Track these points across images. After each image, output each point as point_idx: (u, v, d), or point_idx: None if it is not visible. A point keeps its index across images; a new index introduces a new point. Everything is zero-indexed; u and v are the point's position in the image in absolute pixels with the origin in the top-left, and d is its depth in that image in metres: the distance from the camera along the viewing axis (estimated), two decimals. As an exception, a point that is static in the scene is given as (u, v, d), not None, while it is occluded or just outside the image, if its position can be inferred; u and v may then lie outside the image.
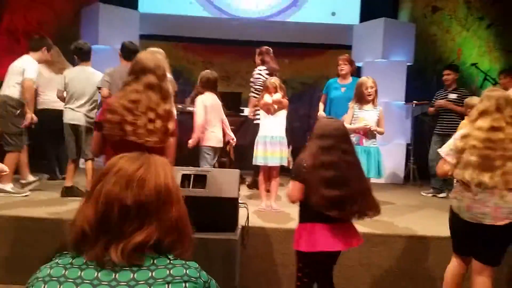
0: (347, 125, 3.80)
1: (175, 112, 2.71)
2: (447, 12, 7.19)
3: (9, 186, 4.13)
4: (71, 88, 4.24)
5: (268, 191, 4.21)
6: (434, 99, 5.52)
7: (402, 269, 3.35)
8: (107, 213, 0.99)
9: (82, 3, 7.11)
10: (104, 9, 6.52)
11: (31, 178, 4.46)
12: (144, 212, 1.00)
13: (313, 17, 7.51)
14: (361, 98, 4.07)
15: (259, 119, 4.65)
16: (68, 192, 4.13)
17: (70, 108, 4.23)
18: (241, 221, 3.27)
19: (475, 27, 6.79)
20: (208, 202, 2.78)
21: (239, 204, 3.19)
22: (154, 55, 2.54)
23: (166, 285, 0.97)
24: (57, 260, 1.02)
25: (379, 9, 6.99)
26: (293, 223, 3.55)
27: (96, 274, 0.97)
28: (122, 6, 6.80)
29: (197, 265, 1.05)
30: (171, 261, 1.01)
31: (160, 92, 2.37)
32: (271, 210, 3.98)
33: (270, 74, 4.91)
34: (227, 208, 2.93)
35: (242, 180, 5.52)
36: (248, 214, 3.31)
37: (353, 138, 3.84)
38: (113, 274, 0.97)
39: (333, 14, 7.53)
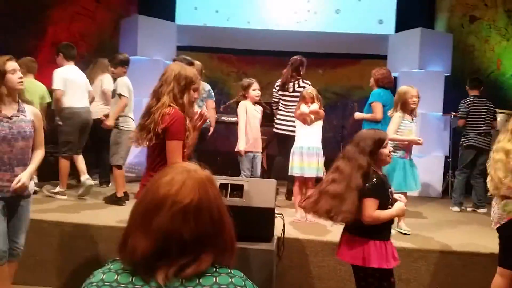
0: (395, 136, 3.76)
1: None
2: (486, 21, 7.02)
3: (57, 188, 4.42)
4: (130, 98, 4.53)
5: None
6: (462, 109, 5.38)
7: (440, 284, 3.25)
8: (165, 247, 1.00)
9: (121, 15, 7.35)
10: (142, 21, 6.71)
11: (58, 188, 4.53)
12: (201, 243, 1.01)
13: (350, 27, 7.48)
14: (405, 107, 3.90)
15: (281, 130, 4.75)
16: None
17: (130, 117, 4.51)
18: (277, 231, 3.28)
19: (516, 37, 6.60)
20: (245, 211, 2.79)
21: (275, 215, 3.20)
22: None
23: None
24: (109, 266, 1.05)
25: (415, 19, 6.88)
26: (329, 235, 3.53)
27: None
28: (160, 18, 6.98)
29: (242, 274, 1.06)
30: (217, 269, 1.03)
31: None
32: (306, 221, 3.96)
33: (282, 86, 4.91)
34: (263, 218, 2.94)
35: (276, 191, 5.54)
36: (284, 224, 3.31)
37: (396, 150, 3.77)
38: None
39: (380, 22, 7.48)
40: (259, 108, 4.51)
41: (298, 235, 3.46)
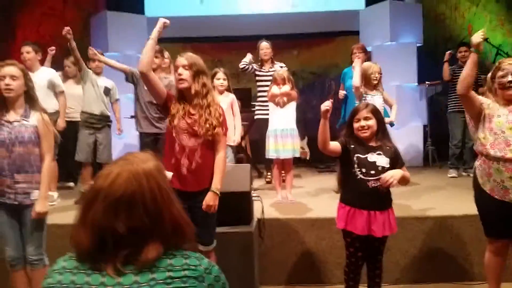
0: None
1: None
2: (454, -12, 7.07)
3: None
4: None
5: (283, 181, 4.26)
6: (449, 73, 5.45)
7: (418, 249, 3.36)
8: (103, 240, 1.02)
9: (90, 12, 7.26)
10: (111, 17, 6.65)
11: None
12: (139, 235, 1.03)
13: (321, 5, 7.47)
14: (367, 83, 4.05)
15: (262, 114, 4.73)
16: None
17: None
18: (258, 214, 3.35)
19: (484, 2, 6.66)
20: (222, 197, 2.83)
21: (253, 197, 3.26)
22: None
23: (167, 273, 1.02)
24: (64, 264, 1.08)
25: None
26: (307, 213, 3.61)
27: (101, 279, 1.02)
28: (129, 12, 6.91)
29: (199, 255, 1.10)
30: (173, 252, 1.07)
31: None
32: (287, 201, 4.03)
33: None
34: (241, 202, 3.01)
35: (260, 175, 5.60)
36: (262, 206, 3.37)
37: None
38: (117, 279, 1.02)
39: None
40: (228, 98, 4.15)
41: (277, 215, 3.52)
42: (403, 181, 2.52)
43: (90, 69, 4.48)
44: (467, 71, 2.49)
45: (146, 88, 3.97)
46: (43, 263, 2.65)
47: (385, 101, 4.15)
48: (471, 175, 2.73)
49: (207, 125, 2.44)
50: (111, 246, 1.02)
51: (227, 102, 4.07)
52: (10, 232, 2.60)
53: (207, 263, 1.09)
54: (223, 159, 2.57)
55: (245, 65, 4.88)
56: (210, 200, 2.47)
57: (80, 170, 5.25)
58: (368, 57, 4.96)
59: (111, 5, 7.17)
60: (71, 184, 5.35)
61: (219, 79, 4.03)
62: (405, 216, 3.40)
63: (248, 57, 4.87)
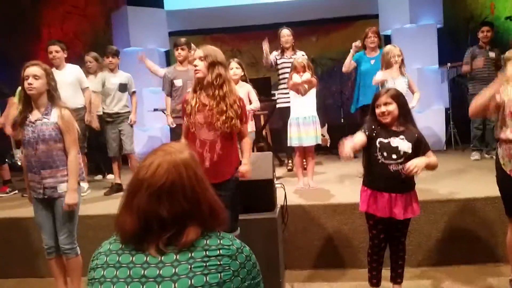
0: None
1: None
2: (475, -34, 6.90)
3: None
4: None
5: (305, 169, 4.33)
6: (467, 58, 5.37)
7: (441, 232, 3.40)
8: (147, 225, 1.13)
9: (111, 8, 7.41)
10: (132, 12, 6.78)
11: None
12: (181, 218, 1.14)
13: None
14: (388, 66, 4.04)
15: (284, 102, 4.79)
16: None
17: None
18: (280, 201, 3.44)
19: (508, -21, 6.48)
20: (245, 185, 2.92)
21: (276, 185, 3.35)
22: None
23: (204, 252, 1.12)
24: (110, 247, 1.19)
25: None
26: (330, 199, 3.68)
27: (145, 258, 1.13)
28: (149, 6, 7.03)
29: (231, 235, 1.20)
30: (207, 234, 1.17)
31: None
32: (309, 188, 4.11)
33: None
34: (264, 190, 3.09)
35: (281, 163, 5.68)
36: (285, 193, 3.46)
37: None
38: (159, 257, 1.12)
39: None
40: (244, 88, 4.16)
41: (300, 202, 3.61)
42: (430, 167, 2.55)
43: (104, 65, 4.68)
44: (484, 101, 2.54)
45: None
46: (75, 252, 2.83)
47: (409, 86, 4.12)
48: (494, 157, 2.75)
49: (224, 117, 2.50)
50: (156, 228, 1.13)
51: (242, 92, 4.12)
52: (45, 222, 2.80)
53: (239, 243, 1.18)
54: (248, 142, 2.72)
55: (269, 62, 4.94)
56: (243, 170, 2.67)
57: (107, 164, 5.49)
58: (380, 41, 4.92)
59: (131, 0, 7.30)
60: (99, 177, 5.57)
61: (231, 68, 4.02)
62: (428, 200, 3.43)
63: (265, 48, 4.86)
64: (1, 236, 3.74)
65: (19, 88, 4.89)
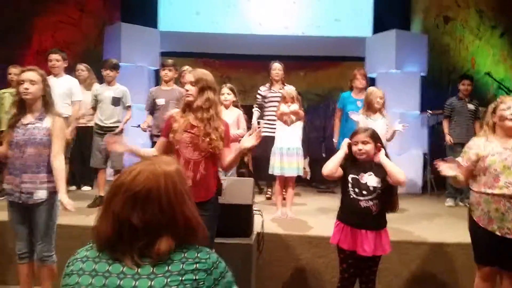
0: None
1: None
2: (459, 22, 7.28)
3: None
4: None
5: (284, 199, 4.36)
6: (447, 110, 5.58)
7: (412, 274, 3.44)
8: (120, 230, 1.13)
9: (105, 23, 7.47)
10: (126, 29, 6.83)
11: None
12: (153, 228, 1.13)
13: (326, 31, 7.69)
14: (370, 107, 4.18)
15: (268, 131, 4.87)
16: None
17: None
18: (258, 228, 3.44)
19: (488, 36, 6.86)
20: (224, 209, 2.93)
21: (254, 211, 3.36)
22: None
23: (181, 265, 1.13)
24: (87, 253, 1.18)
25: (391, 21, 7.10)
26: (307, 230, 3.70)
27: (121, 268, 1.12)
28: (143, 25, 7.11)
29: (208, 249, 1.20)
30: (186, 246, 1.17)
31: None
32: (286, 218, 4.12)
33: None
34: (242, 215, 3.11)
35: (260, 191, 5.70)
36: (263, 220, 3.47)
37: None
38: (136, 269, 1.11)
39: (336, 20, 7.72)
40: (234, 112, 4.30)
41: (277, 231, 3.62)
42: (392, 172, 2.58)
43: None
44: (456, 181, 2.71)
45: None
46: (52, 260, 2.76)
47: (388, 129, 4.23)
48: (467, 205, 2.83)
49: (208, 139, 2.56)
50: (127, 237, 1.12)
51: (233, 116, 4.20)
52: (20, 228, 2.75)
53: (215, 258, 1.19)
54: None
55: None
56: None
57: (84, 175, 5.41)
58: (367, 83, 5.10)
59: (126, 17, 7.38)
60: (73, 187, 5.45)
61: (223, 94, 4.17)
62: (401, 240, 3.49)
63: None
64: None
65: (1, 91, 4.89)
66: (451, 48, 7.42)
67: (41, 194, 2.69)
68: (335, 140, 5.05)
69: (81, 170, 5.41)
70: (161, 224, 1.13)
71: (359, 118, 4.21)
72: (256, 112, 5.27)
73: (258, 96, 5.25)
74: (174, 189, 1.17)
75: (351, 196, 2.61)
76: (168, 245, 1.13)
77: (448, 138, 5.49)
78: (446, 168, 2.59)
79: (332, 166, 2.64)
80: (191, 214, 1.19)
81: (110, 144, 2.66)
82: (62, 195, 2.68)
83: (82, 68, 5.28)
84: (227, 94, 4.18)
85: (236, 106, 4.30)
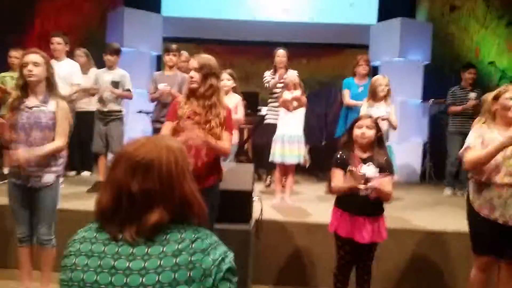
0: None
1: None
2: (465, 10, 7.20)
3: None
4: None
5: (283, 186, 4.38)
6: (450, 98, 5.56)
7: (409, 261, 3.47)
8: (119, 198, 1.14)
9: (108, 7, 7.43)
10: (128, 13, 6.80)
11: None
12: (149, 198, 1.13)
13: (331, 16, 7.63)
14: (374, 95, 4.18)
15: (271, 118, 4.86)
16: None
17: None
18: (256, 214, 3.47)
19: (494, 26, 6.78)
20: (223, 194, 2.95)
21: (253, 198, 3.39)
22: None
23: (176, 245, 1.11)
24: (90, 225, 1.20)
25: (396, 8, 7.05)
26: (308, 217, 3.73)
27: (117, 249, 1.12)
28: (146, 9, 7.08)
29: (209, 231, 1.18)
30: (184, 227, 1.16)
31: None
32: (285, 205, 4.15)
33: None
34: (241, 201, 3.13)
35: (259, 178, 5.72)
36: (262, 207, 3.49)
37: None
38: (131, 249, 1.11)
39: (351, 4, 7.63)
40: (233, 98, 4.23)
41: (275, 217, 3.65)
42: (383, 195, 2.59)
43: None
44: (487, 158, 2.49)
45: None
46: (51, 244, 2.80)
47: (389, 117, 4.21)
48: (465, 194, 2.83)
49: (207, 126, 2.57)
50: (125, 204, 1.13)
51: (232, 102, 4.17)
52: (21, 211, 2.77)
53: (214, 240, 1.16)
54: (225, 144, 2.63)
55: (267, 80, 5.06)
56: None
57: (84, 161, 5.44)
58: (370, 69, 5.09)
59: (129, 2, 7.35)
60: (73, 173, 5.49)
61: (222, 79, 4.00)
62: (399, 228, 3.51)
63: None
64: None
65: (1, 74, 4.90)
66: (456, 37, 7.36)
67: (49, 178, 2.71)
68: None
69: (80, 156, 5.44)
70: (157, 193, 1.14)
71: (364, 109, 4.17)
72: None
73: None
74: (176, 163, 1.18)
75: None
76: (160, 216, 1.12)
77: (456, 109, 5.43)
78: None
79: (337, 190, 2.69)
80: (189, 189, 1.19)
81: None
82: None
83: (80, 53, 5.28)
84: (226, 80, 4.16)
85: (236, 92, 4.29)
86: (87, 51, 5.41)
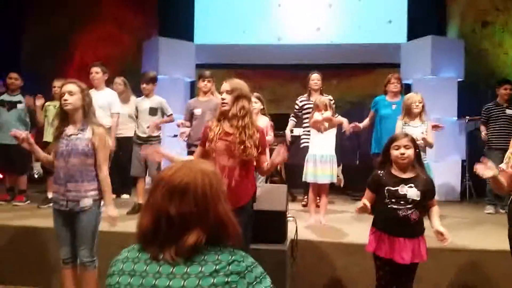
0: None
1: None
2: (498, 25, 7.08)
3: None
4: None
5: (317, 206, 4.36)
6: (484, 115, 5.44)
7: (451, 282, 3.36)
8: (158, 221, 1.20)
9: (143, 38, 7.76)
10: (163, 42, 7.09)
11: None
12: (187, 220, 1.19)
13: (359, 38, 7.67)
14: (408, 112, 4.15)
15: (306, 142, 4.90)
16: None
17: None
18: (291, 234, 3.47)
19: (529, 39, 6.64)
20: (258, 215, 2.98)
21: (288, 218, 3.40)
22: None
23: (214, 267, 1.16)
24: (133, 246, 1.27)
25: (426, 27, 7.00)
26: (341, 237, 3.69)
27: (158, 268, 1.18)
28: (179, 38, 7.35)
29: (244, 253, 1.23)
30: (221, 249, 1.21)
31: None
32: (320, 224, 4.13)
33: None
34: (276, 221, 3.15)
35: (293, 198, 5.72)
36: (296, 227, 3.49)
37: None
38: (171, 268, 1.17)
39: (390, 22, 7.65)
40: (263, 121, 4.33)
41: (311, 238, 3.63)
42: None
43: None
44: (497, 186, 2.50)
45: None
46: (94, 265, 2.89)
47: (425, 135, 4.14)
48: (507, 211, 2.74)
49: (243, 146, 2.62)
50: (164, 227, 1.19)
51: (261, 125, 4.24)
52: (64, 234, 2.88)
53: (250, 262, 1.20)
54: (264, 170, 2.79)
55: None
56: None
57: (124, 185, 5.61)
58: (402, 87, 5.07)
59: (163, 32, 7.65)
60: (127, 196, 5.69)
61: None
62: (439, 248, 3.39)
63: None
64: (15, 244, 3.83)
65: (46, 103, 5.20)
66: (490, 53, 7.23)
67: (87, 202, 2.81)
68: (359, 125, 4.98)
69: (119, 179, 5.61)
70: (194, 216, 1.19)
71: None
72: (291, 121, 5.32)
73: (295, 106, 5.30)
74: (210, 186, 1.23)
75: (388, 206, 2.59)
76: (198, 237, 1.17)
77: (483, 136, 5.38)
78: (484, 169, 2.51)
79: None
80: (224, 211, 1.24)
81: (147, 153, 2.77)
82: (109, 208, 2.83)
83: (119, 82, 5.51)
84: (254, 102, 4.24)
85: (264, 114, 4.39)
86: (125, 79, 5.64)
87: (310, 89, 5.16)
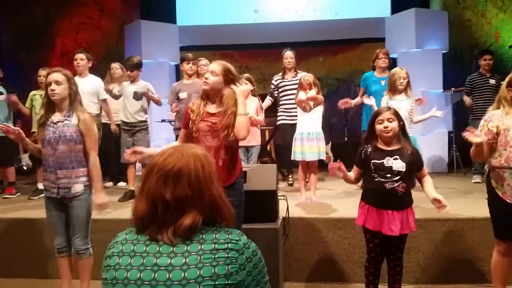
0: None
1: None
2: (481, -5, 7.09)
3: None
4: None
5: (307, 182, 4.41)
6: (467, 86, 5.50)
7: (440, 251, 3.45)
8: (154, 207, 1.23)
9: (125, 21, 7.63)
10: (145, 25, 6.96)
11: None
12: (182, 203, 1.23)
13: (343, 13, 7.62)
14: (393, 88, 4.17)
15: (284, 119, 4.94)
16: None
17: None
18: (283, 213, 3.51)
19: (513, 8, 6.66)
20: (249, 195, 2.99)
21: (279, 197, 3.43)
22: None
23: (213, 245, 1.20)
24: (126, 236, 1.28)
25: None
26: (334, 213, 3.75)
27: (158, 248, 1.21)
28: (162, 21, 7.23)
29: (239, 231, 1.28)
30: (217, 228, 1.26)
31: None
32: (311, 202, 4.18)
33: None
34: (267, 200, 3.18)
35: (283, 178, 5.76)
36: (287, 205, 3.53)
37: None
38: (171, 248, 1.20)
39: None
40: (253, 102, 4.38)
41: (302, 215, 3.67)
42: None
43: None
44: (478, 153, 2.68)
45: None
46: (89, 252, 2.91)
47: (411, 110, 4.19)
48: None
49: (226, 132, 2.60)
50: (161, 211, 1.22)
51: (252, 106, 4.27)
52: (57, 223, 2.89)
53: (246, 239, 1.26)
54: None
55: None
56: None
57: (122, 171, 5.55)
58: (390, 62, 5.08)
59: (145, 15, 7.52)
60: (110, 184, 5.65)
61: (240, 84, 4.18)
62: (428, 218, 3.48)
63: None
64: (8, 236, 3.82)
65: (32, 92, 5.12)
66: (473, 23, 7.24)
67: (78, 188, 2.81)
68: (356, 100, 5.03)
69: (117, 166, 5.57)
70: (189, 199, 1.23)
71: (372, 102, 4.26)
72: (267, 100, 5.29)
73: (271, 85, 5.31)
74: (202, 169, 1.27)
75: (376, 179, 2.63)
76: (194, 219, 1.21)
77: (467, 104, 5.49)
78: (472, 135, 2.57)
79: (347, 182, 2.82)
80: (217, 192, 1.28)
81: (127, 157, 2.75)
82: (97, 195, 2.82)
83: (116, 66, 5.42)
84: (244, 84, 4.22)
85: (254, 95, 4.38)
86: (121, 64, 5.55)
87: (285, 67, 5.14)
